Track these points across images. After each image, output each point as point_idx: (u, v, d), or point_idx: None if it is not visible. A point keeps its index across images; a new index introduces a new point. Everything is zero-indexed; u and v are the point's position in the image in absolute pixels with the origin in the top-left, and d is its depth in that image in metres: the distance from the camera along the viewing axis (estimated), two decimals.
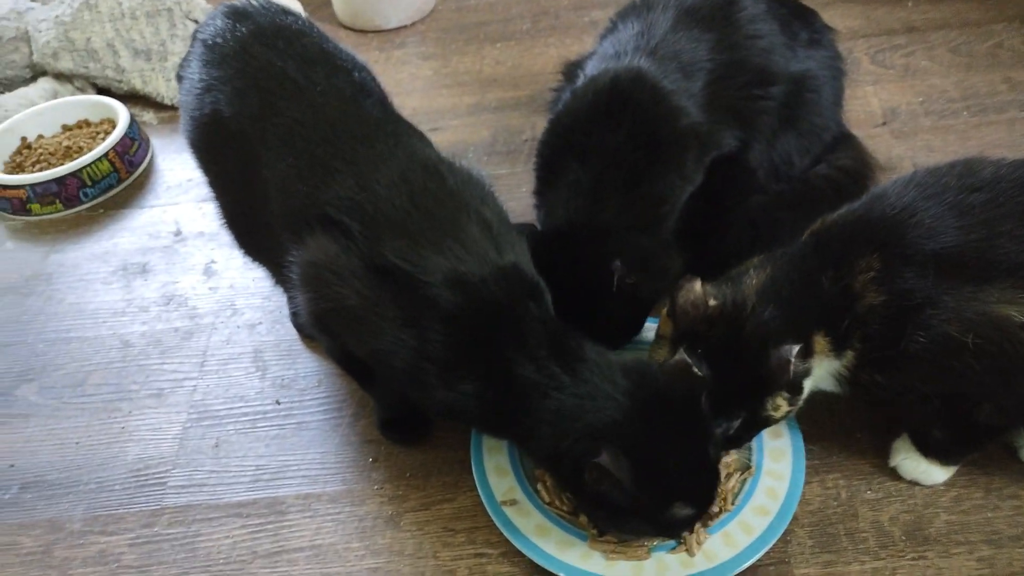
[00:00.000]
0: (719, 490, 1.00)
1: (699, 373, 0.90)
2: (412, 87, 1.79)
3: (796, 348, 0.87)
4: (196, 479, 1.13)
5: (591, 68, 1.20)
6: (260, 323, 1.33)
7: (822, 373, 0.95)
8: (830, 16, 1.35)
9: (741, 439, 0.99)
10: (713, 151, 1.19)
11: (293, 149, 0.95)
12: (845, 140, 1.36)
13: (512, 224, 0.99)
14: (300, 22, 1.05)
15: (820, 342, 0.92)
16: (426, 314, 0.86)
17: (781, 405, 0.93)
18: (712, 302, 0.95)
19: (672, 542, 0.96)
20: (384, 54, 1.90)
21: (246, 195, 1.03)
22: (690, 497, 0.88)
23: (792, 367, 0.88)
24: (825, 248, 0.94)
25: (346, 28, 2.02)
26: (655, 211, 1.12)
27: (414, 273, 0.86)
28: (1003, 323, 0.83)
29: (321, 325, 0.96)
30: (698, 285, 0.98)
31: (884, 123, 1.53)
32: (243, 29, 1.03)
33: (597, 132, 1.11)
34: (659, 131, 1.11)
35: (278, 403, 1.21)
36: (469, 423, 0.95)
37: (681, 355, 0.91)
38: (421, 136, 1.00)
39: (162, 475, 1.14)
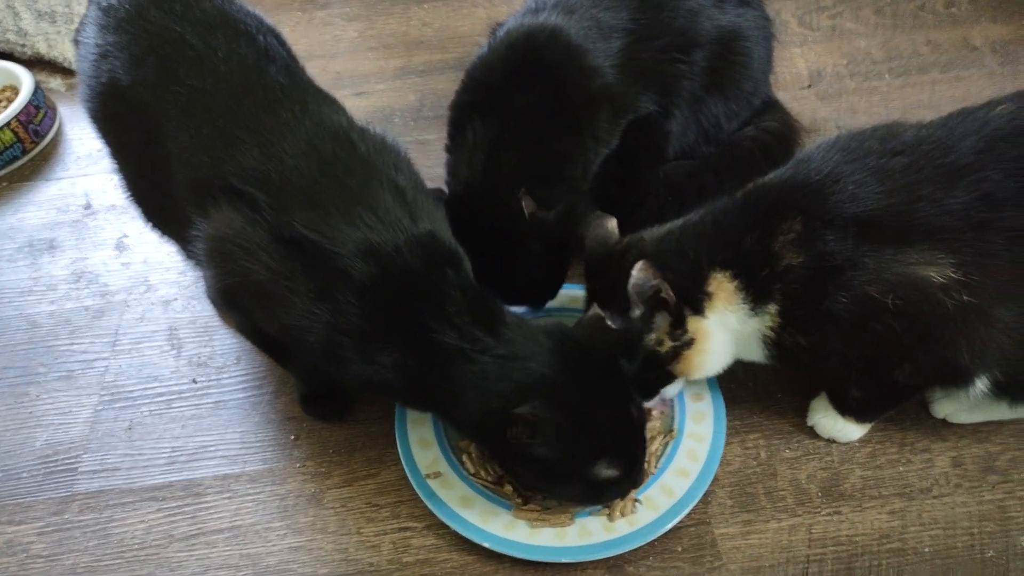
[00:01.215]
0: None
1: (612, 326, 0.90)
2: (336, 50, 1.73)
3: (640, 263, 0.88)
4: (109, 463, 1.08)
5: (510, 23, 1.17)
6: (175, 299, 1.28)
7: (746, 334, 0.94)
8: None
9: (647, 385, 0.98)
10: (629, 114, 1.17)
11: (194, 119, 0.91)
12: (771, 104, 1.36)
13: (428, 190, 0.96)
14: None
15: (723, 282, 0.91)
16: (339, 286, 0.84)
17: (664, 340, 0.93)
18: (624, 239, 0.96)
19: (595, 507, 0.96)
20: (306, 15, 1.83)
21: (149, 167, 0.98)
22: (616, 454, 0.88)
23: (638, 281, 0.88)
24: (751, 208, 0.93)
25: None
26: (558, 169, 1.10)
27: (325, 244, 0.83)
28: (922, 284, 0.84)
29: (230, 301, 0.93)
30: (611, 222, 0.99)
31: (810, 85, 1.54)
32: None
33: (506, 88, 1.09)
34: (570, 90, 1.10)
35: (195, 382, 1.17)
36: (391, 397, 0.93)
37: (594, 309, 0.91)
38: (332, 102, 0.96)
39: (72, 461, 1.09)
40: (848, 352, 0.94)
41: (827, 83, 1.54)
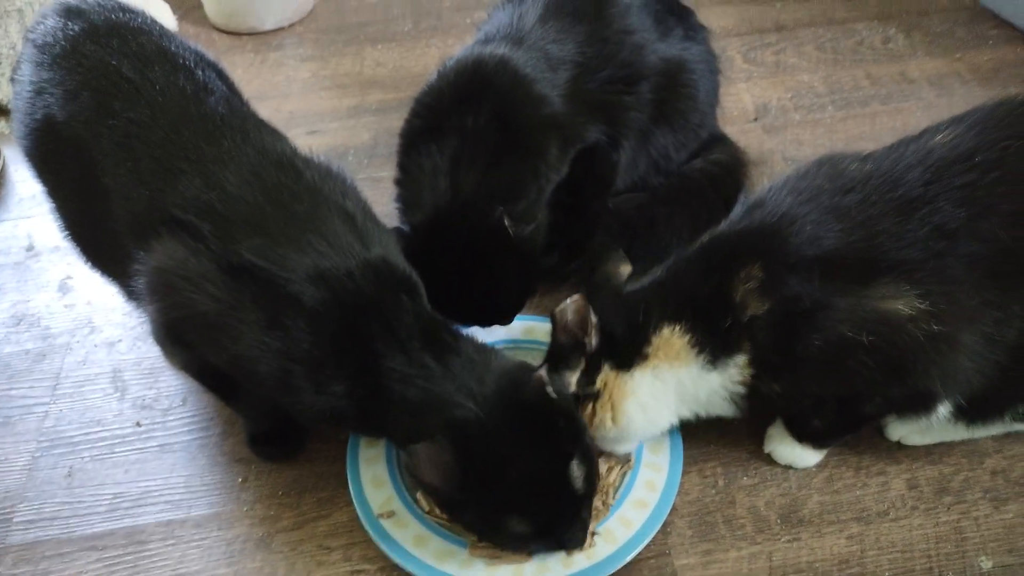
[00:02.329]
0: (603, 484, 1.00)
1: (552, 394, 0.86)
2: (289, 90, 1.72)
3: (579, 296, 0.89)
4: (46, 512, 1.03)
5: (460, 53, 1.18)
6: (120, 340, 1.24)
7: (706, 390, 0.93)
8: (704, 15, 1.37)
9: None
10: (577, 143, 1.18)
11: (132, 152, 0.89)
12: (719, 138, 1.38)
13: (379, 220, 0.95)
14: (138, 19, 0.98)
15: (671, 339, 0.90)
16: (289, 313, 0.82)
17: (571, 382, 0.93)
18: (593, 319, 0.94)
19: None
20: (259, 56, 1.83)
21: (87, 204, 0.96)
22: (530, 513, 0.85)
23: (561, 311, 0.90)
24: (708, 258, 0.93)
25: (219, 31, 1.93)
26: (517, 189, 1.10)
27: (274, 271, 0.82)
28: (893, 317, 0.84)
29: (174, 336, 0.90)
30: (625, 266, 0.99)
31: (756, 119, 1.57)
32: (75, 27, 0.96)
33: (457, 112, 1.09)
34: (519, 116, 1.10)
35: (139, 425, 1.13)
36: (346, 426, 0.91)
37: (538, 373, 0.88)
38: (273, 132, 0.96)
39: (7, 511, 1.04)
40: (823, 392, 0.93)
41: (773, 116, 1.58)
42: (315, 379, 0.83)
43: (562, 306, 0.90)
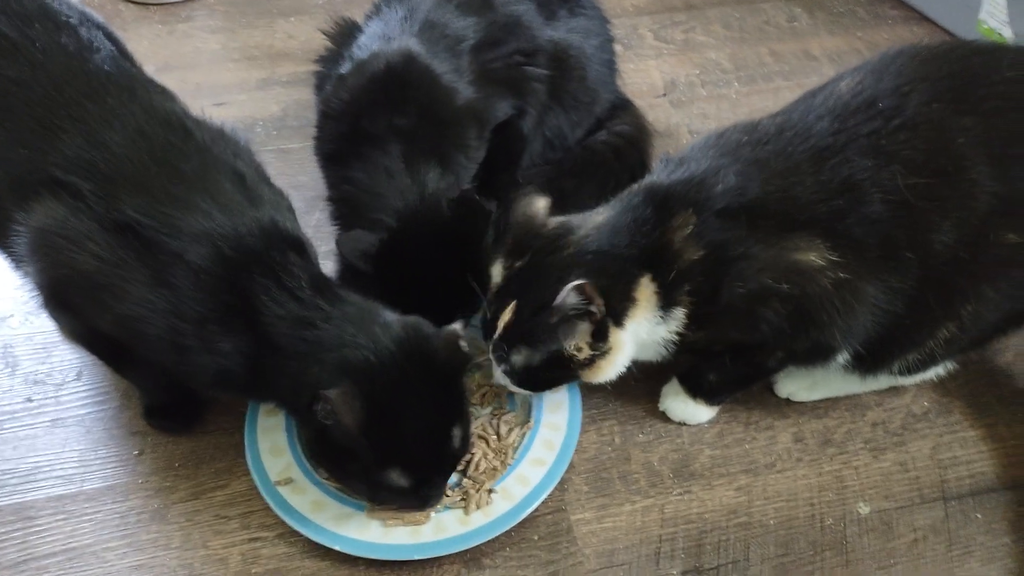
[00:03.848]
0: (501, 444, 1.01)
1: (466, 350, 0.89)
2: (196, 61, 1.68)
3: (580, 283, 0.86)
4: None
5: (360, 52, 1.16)
6: (11, 315, 1.20)
7: (648, 340, 0.94)
8: None
9: (543, 382, 0.97)
10: (492, 124, 1.20)
11: (11, 112, 0.86)
12: (623, 106, 1.41)
13: (272, 183, 0.94)
14: None
15: (646, 288, 0.91)
16: (174, 271, 0.81)
17: (583, 348, 0.91)
18: (551, 221, 0.94)
19: (449, 502, 0.95)
20: (167, 27, 1.78)
21: None
22: (412, 468, 0.86)
23: (568, 301, 0.87)
24: (652, 204, 0.94)
25: (127, 1, 1.87)
26: (462, 177, 1.12)
27: (158, 229, 0.81)
28: (807, 268, 0.88)
29: (58, 299, 0.88)
30: (543, 201, 0.97)
31: (664, 94, 1.61)
32: None
33: (384, 114, 1.08)
34: (439, 111, 1.10)
35: (30, 400, 1.09)
36: (236, 388, 0.90)
37: (454, 326, 0.89)
38: (163, 91, 0.94)
39: None
40: (739, 339, 0.95)
41: (680, 92, 1.61)
42: (202, 337, 0.82)
43: (566, 299, 0.87)
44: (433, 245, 1.02)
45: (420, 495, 0.88)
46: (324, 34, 1.27)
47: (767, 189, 0.90)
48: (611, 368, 0.94)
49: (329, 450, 0.86)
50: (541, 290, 0.90)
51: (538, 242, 0.94)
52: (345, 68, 1.15)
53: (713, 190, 0.91)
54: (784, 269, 0.88)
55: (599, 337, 0.91)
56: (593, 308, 0.87)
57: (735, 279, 0.89)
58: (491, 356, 0.97)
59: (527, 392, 1.00)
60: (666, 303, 0.92)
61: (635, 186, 0.98)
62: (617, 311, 0.91)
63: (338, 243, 1.00)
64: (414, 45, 1.13)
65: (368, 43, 1.16)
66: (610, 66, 1.35)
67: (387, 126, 1.07)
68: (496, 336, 0.94)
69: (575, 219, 0.97)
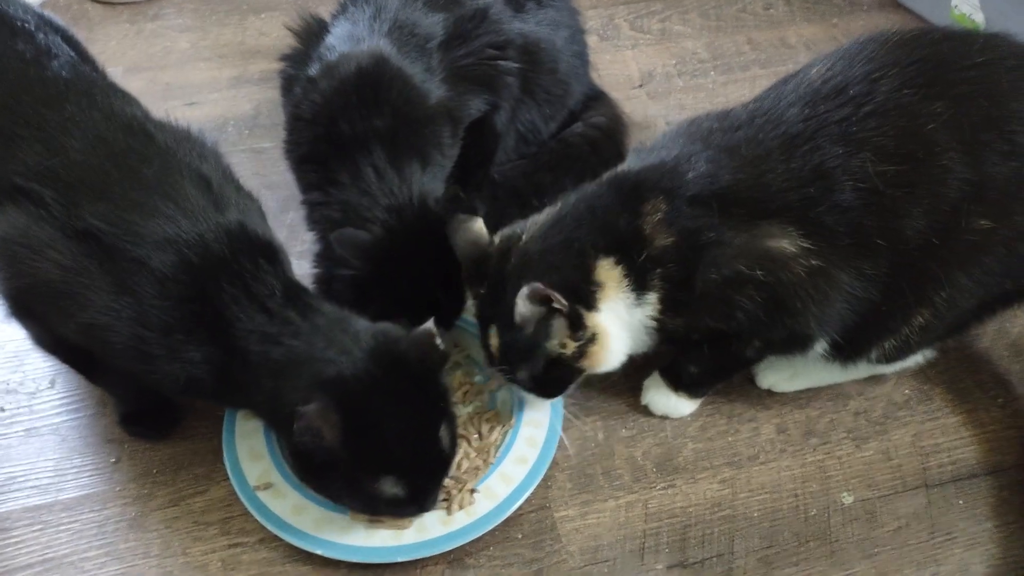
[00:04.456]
0: (484, 443, 1.01)
1: (441, 347, 0.88)
2: (166, 61, 1.65)
3: (528, 290, 0.85)
4: None
5: (329, 53, 1.13)
6: None
7: (631, 321, 0.93)
8: None
9: (554, 385, 0.96)
10: (465, 121, 1.18)
11: None
12: (597, 98, 1.40)
13: (240, 186, 0.93)
14: None
15: (609, 270, 0.90)
16: (137, 279, 0.80)
17: (567, 343, 0.90)
18: (495, 239, 0.94)
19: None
20: (135, 27, 1.74)
21: None
22: (404, 474, 0.84)
23: (524, 312, 0.87)
24: (616, 192, 0.94)
25: (93, 1, 1.83)
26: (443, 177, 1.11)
27: (119, 235, 0.80)
28: (780, 255, 0.87)
29: (23, 308, 0.87)
30: (477, 223, 0.96)
31: (641, 85, 1.60)
32: None
33: (361, 120, 1.05)
34: (412, 112, 1.09)
35: (2, 410, 1.07)
36: (207, 396, 0.88)
37: (427, 326, 0.88)
38: (124, 96, 0.92)
39: None
40: (715, 326, 0.94)
41: (657, 82, 1.60)
42: (168, 345, 0.81)
43: (520, 311, 0.87)
44: (426, 243, 1.01)
45: (417, 502, 0.87)
46: (290, 31, 1.24)
47: (738, 176, 0.89)
48: (607, 354, 0.93)
49: (316, 469, 0.84)
50: (506, 307, 0.90)
51: (490, 263, 0.95)
52: (314, 70, 1.12)
53: (684, 177, 0.91)
54: (757, 256, 0.88)
55: (576, 327, 0.90)
56: (555, 305, 0.87)
57: (709, 266, 0.89)
58: (503, 379, 0.97)
59: (553, 399, 1.01)
60: (638, 286, 0.91)
61: (596, 179, 0.98)
62: (584, 296, 0.90)
63: (334, 239, 0.98)
64: (384, 46, 1.11)
65: (337, 44, 1.13)
66: (582, 57, 1.34)
67: (367, 128, 1.05)
68: (496, 363, 0.95)
69: (519, 226, 0.97)
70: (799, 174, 0.88)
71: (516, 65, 1.20)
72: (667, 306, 0.92)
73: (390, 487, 0.85)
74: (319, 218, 1.08)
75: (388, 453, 0.84)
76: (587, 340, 0.91)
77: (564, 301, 0.87)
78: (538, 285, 0.86)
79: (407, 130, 1.08)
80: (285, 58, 1.24)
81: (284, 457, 0.98)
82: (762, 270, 0.88)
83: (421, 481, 0.87)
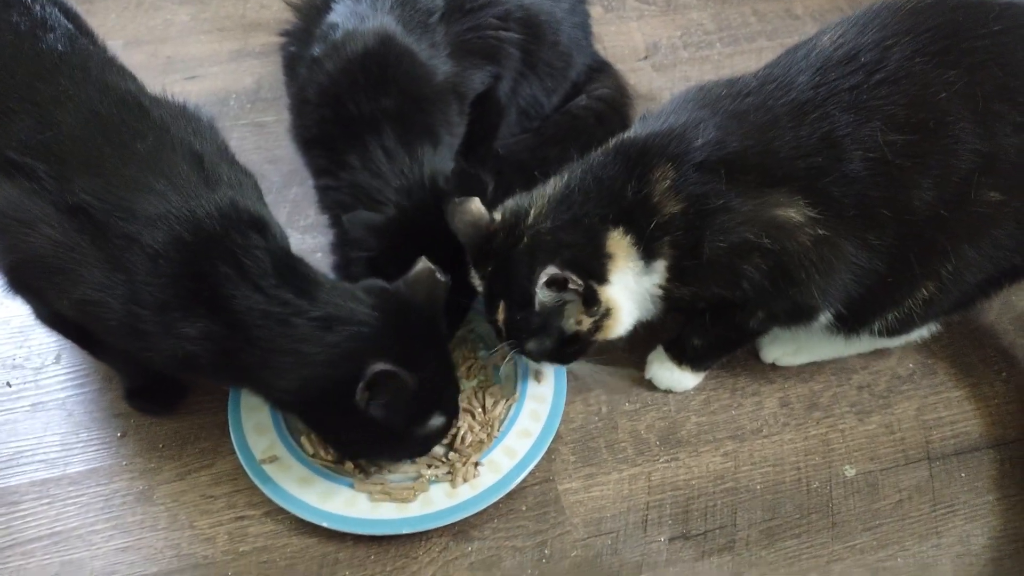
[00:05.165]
0: (487, 417, 1.01)
1: (441, 278, 0.88)
2: (166, 34, 1.64)
3: (549, 276, 0.85)
4: None
5: (333, 32, 1.09)
6: None
7: (638, 289, 0.93)
8: None
9: (568, 355, 0.96)
10: (470, 96, 1.17)
11: None
12: (602, 69, 1.38)
13: (235, 161, 0.92)
14: None
15: (619, 240, 0.90)
16: (130, 255, 0.79)
17: (583, 320, 0.91)
18: (496, 216, 0.94)
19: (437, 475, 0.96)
20: (135, 0, 1.73)
21: None
22: (446, 406, 0.90)
23: (542, 285, 0.86)
24: (623, 161, 0.92)
25: None
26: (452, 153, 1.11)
27: (111, 211, 0.79)
28: (786, 223, 0.87)
29: (19, 282, 0.87)
30: (475, 203, 0.95)
31: (646, 57, 1.58)
32: None
33: (368, 100, 1.04)
34: (420, 90, 1.07)
35: (9, 385, 1.08)
36: (204, 373, 0.89)
37: (424, 262, 0.88)
38: (121, 70, 0.91)
39: None
40: (723, 296, 0.94)
41: (663, 54, 1.59)
42: (162, 323, 0.81)
43: (542, 298, 0.88)
44: (439, 221, 0.99)
45: (452, 419, 0.93)
46: (290, 5, 1.22)
47: (746, 143, 0.88)
48: (618, 324, 0.93)
49: (366, 434, 0.88)
50: (518, 287, 0.90)
51: (494, 242, 0.93)
52: (318, 50, 1.09)
53: (691, 143, 0.90)
54: (764, 224, 0.87)
55: (591, 303, 0.90)
56: (571, 286, 0.87)
57: (716, 233, 0.88)
58: (509, 350, 0.96)
59: (559, 365, 1.01)
60: (647, 255, 0.90)
61: (602, 147, 0.97)
62: (596, 271, 0.90)
63: (346, 222, 0.98)
64: (389, 24, 1.09)
65: (341, 21, 1.11)
66: (583, 28, 1.32)
67: (375, 108, 1.04)
68: (503, 336, 0.95)
69: (523, 200, 0.95)
70: (807, 142, 0.87)
71: (518, 36, 1.18)
72: (674, 274, 0.91)
73: (436, 420, 0.90)
74: (331, 203, 1.07)
75: (435, 392, 0.88)
76: (602, 315, 0.91)
77: (580, 281, 0.87)
78: (555, 270, 0.85)
79: (416, 109, 1.06)
80: (285, 34, 1.22)
81: (293, 428, 1.00)
82: (769, 238, 0.87)
83: (455, 404, 0.93)
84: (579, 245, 0.90)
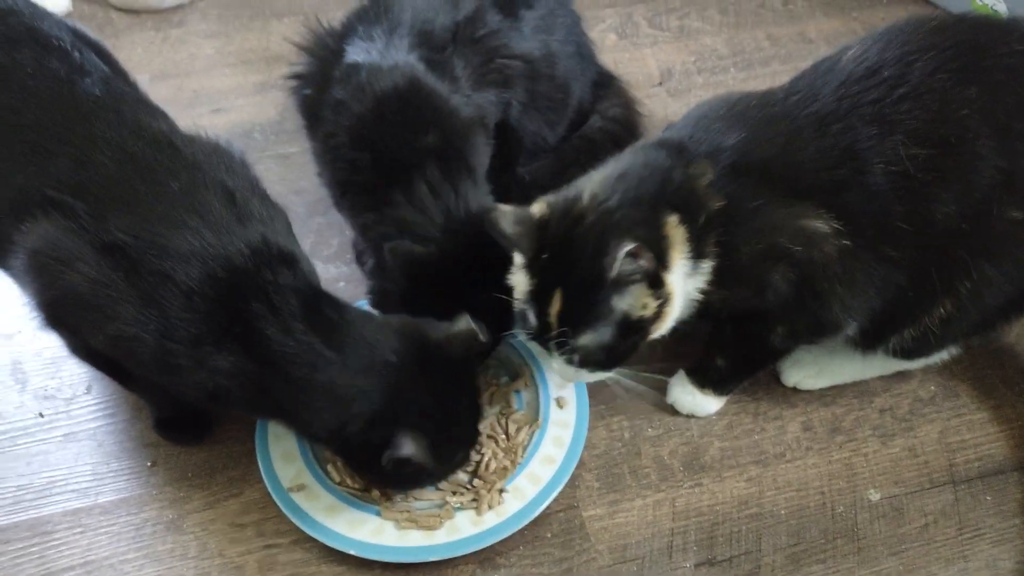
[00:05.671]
0: (511, 443, 1.02)
1: (482, 338, 0.90)
2: (192, 68, 1.68)
3: (631, 247, 0.83)
4: None
5: (354, 73, 1.09)
6: (19, 332, 1.20)
7: (682, 291, 0.91)
8: None
9: (622, 354, 0.93)
10: (491, 126, 1.19)
11: (4, 136, 0.87)
12: (607, 84, 1.41)
13: (267, 196, 0.94)
14: (7, 1, 0.95)
15: (675, 227, 0.89)
16: (163, 292, 0.81)
17: (648, 303, 0.88)
18: (537, 208, 0.92)
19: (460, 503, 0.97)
20: (160, 34, 1.77)
21: None
22: (469, 443, 0.96)
23: (620, 260, 0.83)
24: (668, 151, 0.93)
25: (117, 9, 1.86)
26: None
27: (145, 248, 0.82)
28: (815, 234, 0.88)
29: (54, 318, 0.89)
30: (509, 207, 0.94)
31: (661, 83, 1.60)
32: None
33: (408, 140, 1.05)
34: (454, 124, 1.08)
35: (41, 416, 1.10)
36: (235, 406, 0.91)
37: (466, 321, 0.90)
38: (152, 110, 0.94)
39: None
40: (748, 302, 0.94)
41: (677, 80, 1.61)
42: (195, 357, 0.83)
43: (621, 268, 0.85)
44: (477, 262, 0.99)
45: (472, 447, 0.98)
46: (301, 48, 1.22)
47: (774, 151, 0.90)
48: (670, 317, 0.91)
49: (402, 483, 0.95)
50: (583, 267, 0.87)
51: (549, 230, 0.91)
52: (342, 92, 1.09)
53: (724, 144, 0.91)
54: (795, 232, 0.89)
55: (656, 285, 0.88)
56: (643, 262, 0.85)
57: (754, 233, 0.89)
58: (555, 353, 0.93)
59: (598, 375, 0.96)
60: (697, 253, 0.90)
61: (638, 143, 0.98)
62: (660, 254, 0.88)
63: (387, 250, 0.98)
64: (413, 61, 1.10)
65: (360, 60, 1.11)
66: (581, 53, 1.33)
67: (414, 148, 1.05)
68: (554, 331, 0.90)
69: (569, 190, 0.93)
70: (830, 153, 0.88)
71: (521, 64, 1.20)
72: (717, 276, 0.91)
73: (461, 457, 0.96)
74: (374, 236, 1.06)
75: (460, 440, 0.94)
76: (665, 299, 0.89)
77: (653, 261, 0.86)
78: (634, 244, 0.83)
79: (452, 144, 1.07)
80: (297, 76, 1.22)
81: (320, 461, 1.02)
82: (800, 246, 0.88)
83: (475, 437, 0.97)
84: (646, 223, 0.88)
